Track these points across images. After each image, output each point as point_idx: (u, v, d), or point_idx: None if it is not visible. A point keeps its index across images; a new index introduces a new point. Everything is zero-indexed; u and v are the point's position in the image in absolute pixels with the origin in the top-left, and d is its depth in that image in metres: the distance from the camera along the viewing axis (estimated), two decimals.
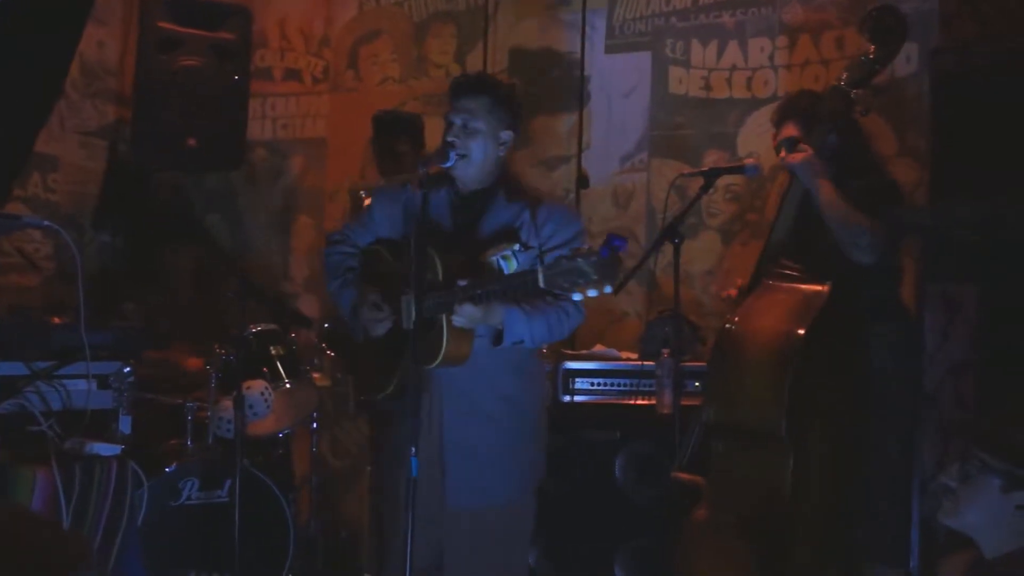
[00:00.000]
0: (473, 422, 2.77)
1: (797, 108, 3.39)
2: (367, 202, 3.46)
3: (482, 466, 2.76)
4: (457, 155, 2.74)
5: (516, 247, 2.63)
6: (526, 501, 2.87)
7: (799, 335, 2.90)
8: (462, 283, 2.54)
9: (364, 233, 2.99)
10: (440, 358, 2.64)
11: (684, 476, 3.09)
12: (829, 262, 3.13)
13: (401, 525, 2.49)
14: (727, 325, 3.07)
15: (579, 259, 2.30)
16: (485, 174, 2.81)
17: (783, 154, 3.35)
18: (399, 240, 2.89)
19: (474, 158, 2.76)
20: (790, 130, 3.35)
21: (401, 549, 2.46)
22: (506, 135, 2.81)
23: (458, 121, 2.75)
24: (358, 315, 2.86)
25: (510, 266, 2.69)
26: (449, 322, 2.62)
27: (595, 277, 2.28)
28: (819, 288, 3.02)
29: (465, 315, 2.57)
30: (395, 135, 4.23)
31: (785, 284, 3.10)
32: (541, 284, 2.37)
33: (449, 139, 2.72)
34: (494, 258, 2.63)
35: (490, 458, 2.77)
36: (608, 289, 2.30)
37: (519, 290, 2.51)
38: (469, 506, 2.76)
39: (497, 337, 2.70)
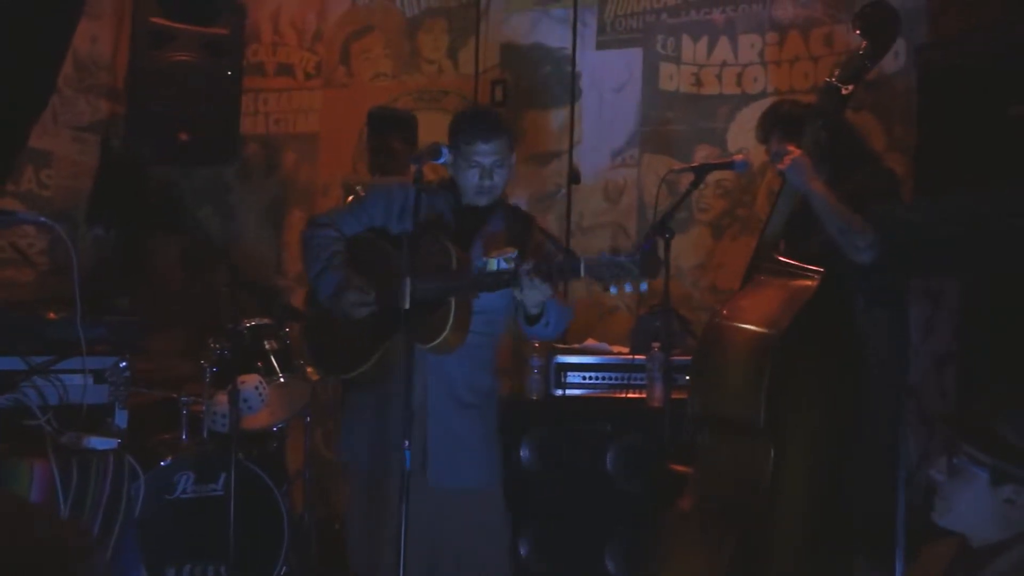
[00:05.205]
0: (455, 411, 2.93)
1: (778, 118, 3.38)
2: (360, 193, 3.49)
3: (461, 452, 2.93)
4: (493, 195, 2.95)
5: (515, 254, 2.74)
6: (497, 492, 3.03)
7: (780, 330, 2.92)
8: (526, 265, 2.69)
9: (352, 222, 3.05)
10: (441, 338, 2.77)
11: (676, 467, 3.13)
12: (824, 256, 3.15)
13: (393, 515, 2.62)
14: (714, 318, 3.10)
15: (622, 256, 2.51)
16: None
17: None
18: (395, 233, 2.97)
19: (501, 188, 2.99)
20: (775, 145, 3.31)
21: (395, 539, 2.55)
22: (512, 159, 3.01)
23: (488, 162, 2.91)
24: (341, 298, 2.91)
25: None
26: (459, 306, 2.76)
27: (637, 272, 2.49)
28: (807, 283, 3.05)
29: (538, 289, 2.67)
30: (390, 132, 4.26)
31: (776, 279, 3.12)
32: (581, 274, 2.58)
33: (488, 183, 2.91)
34: (495, 259, 2.73)
35: (468, 445, 2.94)
36: (644, 286, 2.50)
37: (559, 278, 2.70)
38: (449, 485, 2.91)
39: (533, 317, 2.84)
